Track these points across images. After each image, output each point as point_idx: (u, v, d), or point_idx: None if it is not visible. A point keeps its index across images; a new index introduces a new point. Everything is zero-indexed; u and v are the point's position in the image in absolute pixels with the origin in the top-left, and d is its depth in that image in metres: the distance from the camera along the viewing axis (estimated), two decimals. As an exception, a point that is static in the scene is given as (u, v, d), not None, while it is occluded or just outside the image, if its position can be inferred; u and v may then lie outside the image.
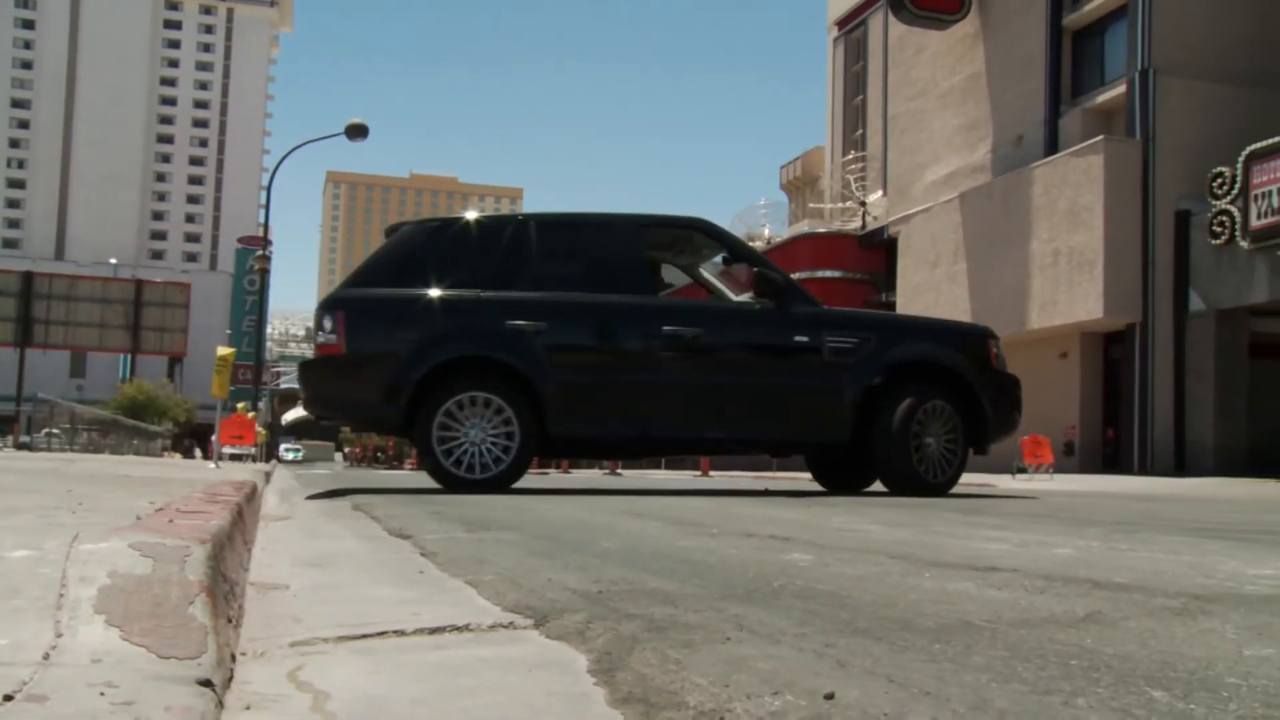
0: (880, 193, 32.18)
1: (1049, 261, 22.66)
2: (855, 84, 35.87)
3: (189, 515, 2.67)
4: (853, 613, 1.94)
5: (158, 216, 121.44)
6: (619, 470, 28.27)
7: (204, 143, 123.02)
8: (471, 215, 7.84)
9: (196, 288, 41.80)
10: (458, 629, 1.85)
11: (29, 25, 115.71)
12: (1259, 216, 19.36)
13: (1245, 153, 19.66)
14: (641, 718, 1.29)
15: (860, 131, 35.16)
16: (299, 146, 30.71)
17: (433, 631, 1.83)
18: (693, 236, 8.14)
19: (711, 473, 25.45)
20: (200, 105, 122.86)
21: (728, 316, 7.72)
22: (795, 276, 9.51)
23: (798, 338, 7.40)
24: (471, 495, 6.50)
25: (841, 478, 8.57)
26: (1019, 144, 25.19)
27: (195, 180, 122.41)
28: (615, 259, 7.46)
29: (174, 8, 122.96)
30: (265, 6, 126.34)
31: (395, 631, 1.82)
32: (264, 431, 32.02)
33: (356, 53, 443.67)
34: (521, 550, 3.11)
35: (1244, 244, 19.69)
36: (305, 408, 7.64)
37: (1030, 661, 1.51)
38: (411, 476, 17.98)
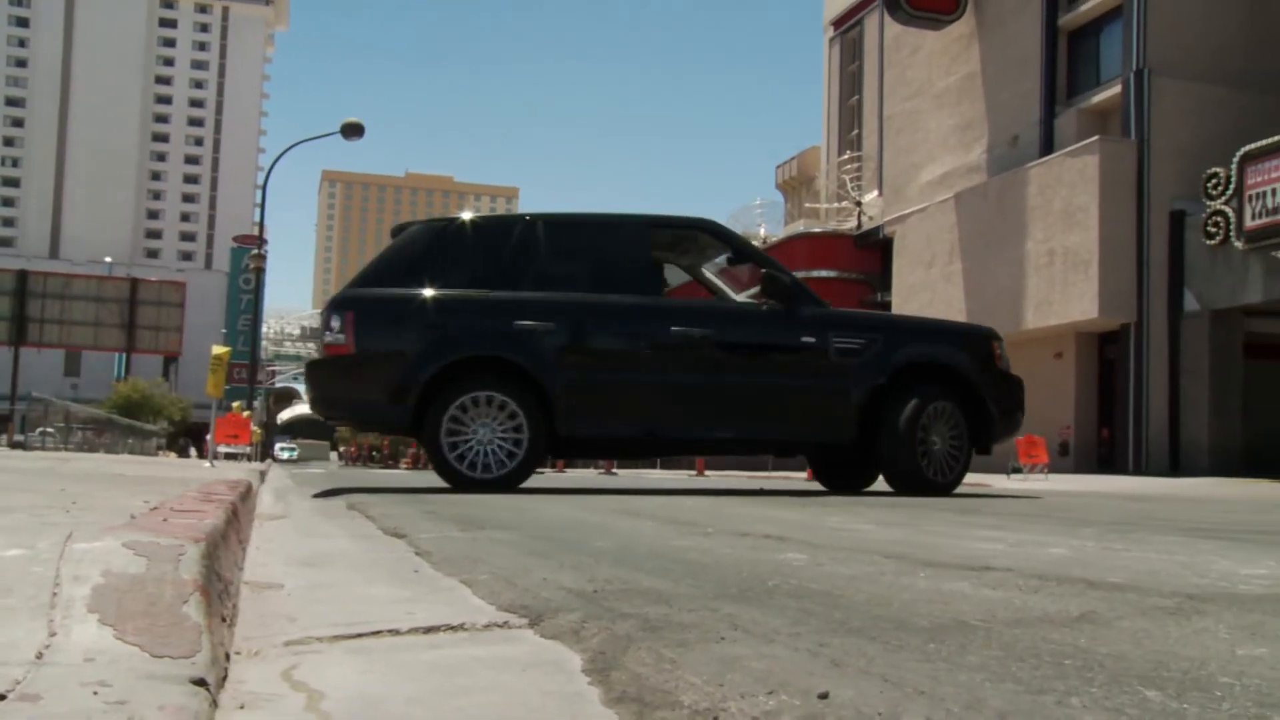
0: (876, 192, 32.21)
1: (1044, 262, 22.69)
2: (851, 84, 35.91)
3: (183, 514, 2.66)
4: (847, 612, 1.94)
5: (153, 215, 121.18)
6: (614, 470, 28.27)
7: (199, 141, 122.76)
8: (479, 215, 7.85)
9: (191, 286, 41.68)
10: (452, 628, 1.85)
11: (23, 23, 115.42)
12: (1253, 217, 19.41)
13: (1240, 153, 19.70)
14: (636, 717, 1.29)
15: (856, 131, 35.20)
16: (294, 145, 30.72)
17: (427, 631, 1.83)
18: (698, 237, 8.18)
19: (707, 472, 25.47)
20: (195, 104, 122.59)
21: (736, 317, 7.76)
22: (791, 276, 9.52)
23: (805, 338, 7.44)
24: (467, 495, 6.50)
25: (843, 478, 8.62)
26: (1014, 144, 25.22)
27: (190, 179, 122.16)
28: (623, 259, 7.48)
29: (169, 6, 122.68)
30: (261, 5, 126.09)
31: (390, 631, 1.82)
32: (259, 430, 31.98)
33: (352, 52, 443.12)
34: (516, 549, 3.11)
35: (1238, 244, 19.73)
36: (312, 408, 7.62)
37: (1024, 661, 1.51)
38: (406, 476, 17.97)
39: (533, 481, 11.37)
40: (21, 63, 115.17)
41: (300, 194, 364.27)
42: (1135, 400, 21.62)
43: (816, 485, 8.82)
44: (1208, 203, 20.29)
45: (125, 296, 33.65)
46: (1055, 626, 1.80)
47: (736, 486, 10.89)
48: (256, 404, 35.55)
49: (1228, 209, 19.87)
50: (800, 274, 31.50)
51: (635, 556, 2.94)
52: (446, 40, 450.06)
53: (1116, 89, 22.73)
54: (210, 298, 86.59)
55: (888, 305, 28.26)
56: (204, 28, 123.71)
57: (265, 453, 34.65)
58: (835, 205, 34.97)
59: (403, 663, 1.61)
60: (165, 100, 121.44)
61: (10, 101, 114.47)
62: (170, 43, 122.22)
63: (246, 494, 4.73)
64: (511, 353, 7.02)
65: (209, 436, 15.70)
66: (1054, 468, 20.70)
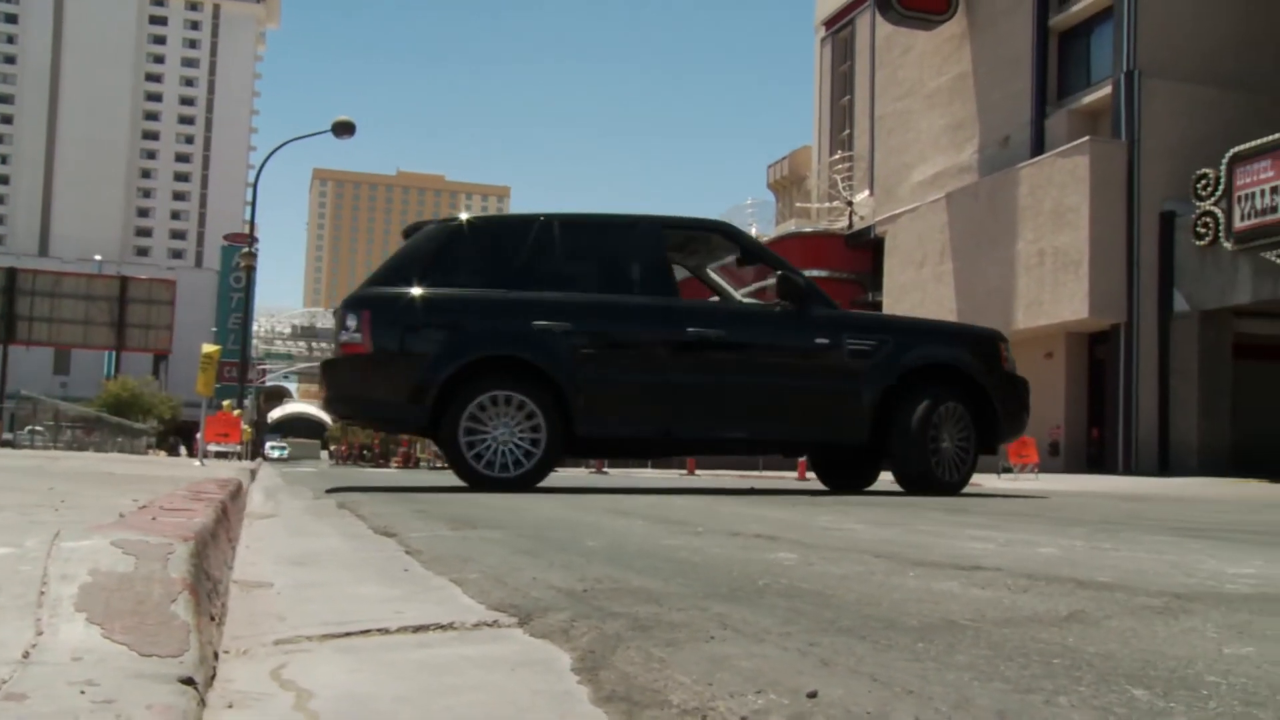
0: (867, 192, 32.26)
1: (1034, 262, 22.75)
2: (842, 84, 35.96)
3: (172, 513, 2.66)
4: (837, 612, 1.94)
5: (143, 213, 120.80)
6: (605, 469, 28.27)
7: (190, 139, 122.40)
8: (494, 215, 7.87)
9: (182, 285, 41.59)
10: (441, 627, 1.84)
11: (12, 19, 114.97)
12: (1243, 218, 19.49)
13: (1229, 154, 19.79)
14: (625, 716, 1.29)
15: (847, 131, 35.25)
16: (285, 143, 30.67)
17: (416, 630, 1.82)
18: (710, 238, 8.23)
19: (698, 471, 25.49)
20: (186, 102, 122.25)
21: (750, 318, 7.83)
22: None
23: (819, 340, 7.50)
24: (458, 494, 6.50)
25: (845, 478, 8.69)
26: (1005, 144, 25.29)
27: (181, 177, 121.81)
28: (638, 260, 7.51)
29: (160, 3, 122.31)
30: (252, 3, 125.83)
31: (379, 630, 1.82)
32: (249, 429, 31.89)
33: (344, 50, 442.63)
34: (506, 548, 3.11)
35: (1228, 245, 19.82)
36: (326, 408, 7.61)
37: (1013, 660, 1.51)
38: (397, 475, 17.95)
39: (524, 481, 11.25)
40: (10, 59, 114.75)
41: (291, 192, 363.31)
42: (1125, 400, 21.71)
43: (807, 484, 8.85)
44: (1197, 203, 20.37)
45: (115, 294, 33.59)
46: (1044, 626, 1.80)
47: (728, 486, 10.89)
48: (247, 402, 35.47)
49: (1217, 210, 19.96)
50: (792, 274, 31.26)
51: (625, 556, 2.94)
52: (438, 39, 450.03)
53: (1107, 90, 22.81)
54: (200, 296, 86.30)
55: (879, 305, 28.31)
56: (195, 25, 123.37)
57: (255, 451, 34.54)
58: (826, 205, 35.01)
59: (392, 662, 1.60)
60: (156, 98, 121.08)
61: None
62: (161, 40, 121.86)
63: (236, 493, 4.72)
64: (529, 353, 7.02)
65: (199, 435, 15.65)
66: (1044, 467, 20.76)
